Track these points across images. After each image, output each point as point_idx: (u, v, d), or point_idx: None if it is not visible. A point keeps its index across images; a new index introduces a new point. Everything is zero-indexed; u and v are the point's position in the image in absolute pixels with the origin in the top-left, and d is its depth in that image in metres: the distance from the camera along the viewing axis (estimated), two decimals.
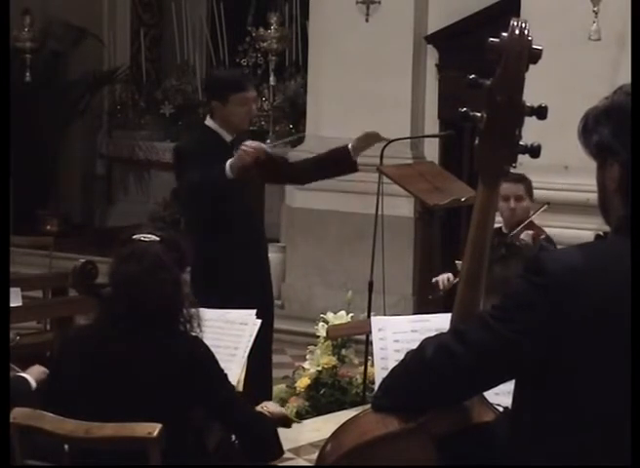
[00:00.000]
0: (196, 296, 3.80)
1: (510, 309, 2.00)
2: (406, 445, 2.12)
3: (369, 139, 5.10)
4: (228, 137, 5.08)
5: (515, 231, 5.22)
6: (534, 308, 1.95)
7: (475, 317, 2.09)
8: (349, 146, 5.03)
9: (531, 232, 5.25)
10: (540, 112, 2.08)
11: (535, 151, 2.11)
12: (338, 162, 5.10)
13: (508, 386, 2.08)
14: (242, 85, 5.08)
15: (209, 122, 5.11)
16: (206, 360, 3.22)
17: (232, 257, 5.07)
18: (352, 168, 5.10)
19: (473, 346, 2.01)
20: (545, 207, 5.37)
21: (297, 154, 8.71)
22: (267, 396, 5.26)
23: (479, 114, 2.10)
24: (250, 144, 4.81)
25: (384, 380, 2.20)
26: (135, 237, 3.26)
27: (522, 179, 5.33)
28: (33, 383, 3.54)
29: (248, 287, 5.07)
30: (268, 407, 3.61)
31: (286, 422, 3.64)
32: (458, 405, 2.16)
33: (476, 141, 2.11)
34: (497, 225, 5.28)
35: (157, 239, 3.25)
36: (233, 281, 5.03)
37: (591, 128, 2.03)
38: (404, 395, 2.12)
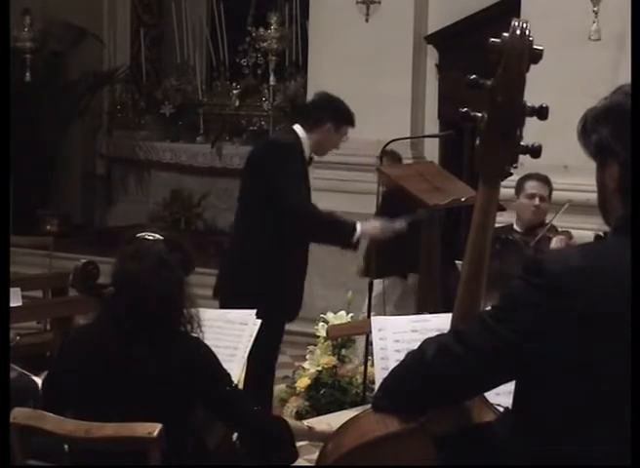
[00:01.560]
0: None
1: (510, 310, 2.00)
2: (406, 445, 2.12)
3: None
4: (308, 152, 5.17)
5: (538, 236, 5.21)
6: (533, 309, 1.95)
7: (475, 317, 2.09)
8: (358, 227, 5.09)
9: (562, 237, 5.25)
10: (541, 112, 2.08)
11: (535, 151, 2.11)
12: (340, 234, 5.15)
13: (509, 386, 2.08)
14: (354, 122, 5.27)
15: (299, 130, 5.16)
16: (206, 360, 3.21)
17: (287, 257, 5.15)
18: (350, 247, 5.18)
19: (473, 347, 2.01)
20: (566, 206, 5.40)
21: None
22: (268, 396, 5.28)
23: (480, 114, 2.10)
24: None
25: (385, 381, 2.20)
26: (139, 235, 3.26)
27: (548, 181, 5.36)
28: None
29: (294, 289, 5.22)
30: (312, 423, 3.54)
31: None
32: (458, 405, 2.16)
33: (477, 142, 2.11)
34: (500, 225, 5.29)
35: (161, 238, 3.25)
36: (285, 280, 5.14)
37: (590, 128, 2.03)
38: (404, 395, 2.12)
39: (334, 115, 5.17)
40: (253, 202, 5.15)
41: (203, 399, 3.22)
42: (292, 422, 3.57)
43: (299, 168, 5.07)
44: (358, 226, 5.07)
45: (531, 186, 5.41)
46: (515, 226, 5.46)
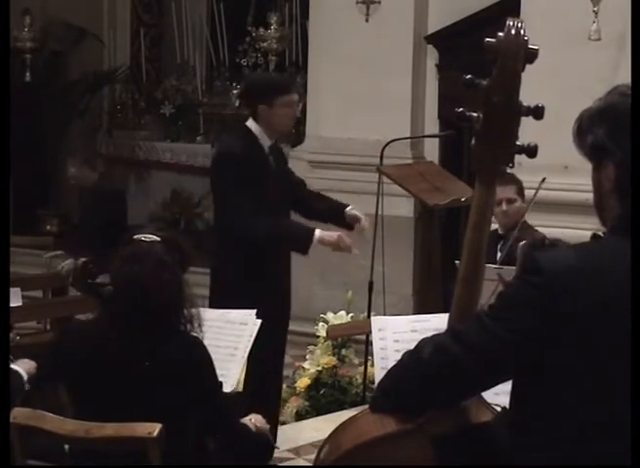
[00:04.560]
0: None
1: (507, 309, 2.00)
2: (404, 445, 2.12)
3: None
4: (267, 142, 5.06)
5: (510, 240, 5.14)
6: (531, 308, 1.95)
7: (472, 317, 2.09)
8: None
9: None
10: (537, 112, 2.08)
11: (531, 151, 2.11)
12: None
13: (508, 386, 2.08)
14: (288, 87, 5.14)
15: (251, 124, 5.08)
16: (203, 363, 3.21)
17: (261, 265, 5.01)
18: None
19: (470, 346, 2.01)
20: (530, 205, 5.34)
21: (297, 154, 8.73)
22: (276, 397, 5.26)
23: (475, 114, 2.10)
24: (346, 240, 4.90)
25: (382, 381, 2.20)
26: (135, 237, 3.26)
27: (512, 181, 5.29)
28: (25, 376, 3.53)
29: (273, 295, 5.01)
30: (256, 420, 3.54)
31: (266, 441, 3.57)
32: (456, 405, 2.16)
33: (473, 142, 2.12)
34: (493, 227, 5.28)
35: (158, 239, 3.25)
36: (260, 287, 5.00)
37: (586, 129, 2.03)
38: (402, 395, 2.12)
39: (259, 95, 5.09)
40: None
41: (192, 400, 3.21)
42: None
43: (240, 178, 4.92)
44: (316, 233, 4.89)
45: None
46: (499, 230, 5.45)
